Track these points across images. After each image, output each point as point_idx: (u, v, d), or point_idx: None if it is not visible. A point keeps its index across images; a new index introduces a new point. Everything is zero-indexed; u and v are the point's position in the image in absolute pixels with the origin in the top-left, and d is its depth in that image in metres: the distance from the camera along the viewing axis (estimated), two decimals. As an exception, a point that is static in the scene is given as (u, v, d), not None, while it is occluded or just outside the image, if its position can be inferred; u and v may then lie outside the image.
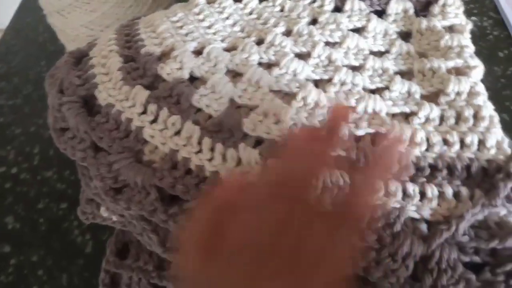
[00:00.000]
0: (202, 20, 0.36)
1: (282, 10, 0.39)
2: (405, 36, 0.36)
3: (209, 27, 0.36)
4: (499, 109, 0.32)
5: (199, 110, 0.32)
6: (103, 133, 0.31)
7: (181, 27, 0.36)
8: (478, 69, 0.33)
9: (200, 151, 0.30)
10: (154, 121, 0.30)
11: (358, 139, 0.31)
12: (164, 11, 0.38)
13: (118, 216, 0.32)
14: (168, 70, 0.32)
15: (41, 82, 0.56)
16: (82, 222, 0.38)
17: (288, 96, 0.32)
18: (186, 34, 0.35)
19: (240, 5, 0.38)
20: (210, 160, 0.29)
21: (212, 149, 0.30)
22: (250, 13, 0.38)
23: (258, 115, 0.31)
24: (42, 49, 0.62)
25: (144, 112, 0.31)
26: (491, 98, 0.32)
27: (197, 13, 0.37)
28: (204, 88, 0.32)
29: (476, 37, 0.35)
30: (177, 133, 0.30)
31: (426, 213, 0.28)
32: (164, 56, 0.34)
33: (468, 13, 0.38)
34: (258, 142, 0.31)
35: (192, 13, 0.37)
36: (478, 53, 0.35)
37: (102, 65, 0.34)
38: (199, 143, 0.30)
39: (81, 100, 0.32)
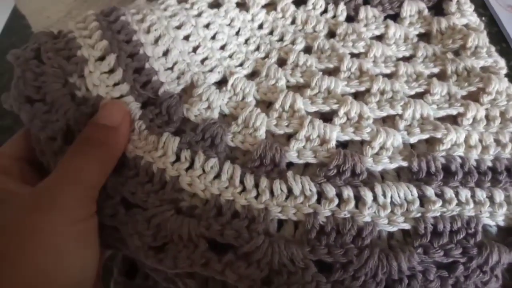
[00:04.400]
0: (214, 38, 0.33)
1: (293, 22, 0.36)
2: (424, 37, 0.35)
3: (223, 47, 0.33)
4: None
5: (234, 147, 0.29)
6: (135, 188, 0.27)
7: (194, 51, 0.32)
8: (504, 69, 0.32)
9: (244, 190, 0.27)
10: (189, 167, 0.27)
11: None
12: (164, 14, 0.31)
13: None
14: (195, 112, 0.29)
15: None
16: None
17: (327, 115, 0.30)
18: (203, 61, 0.32)
19: (248, 16, 0.34)
20: (256, 197, 0.26)
21: (256, 186, 0.27)
22: (261, 27, 0.35)
23: (300, 141, 0.28)
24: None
25: (177, 160, 0.27)
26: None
27: (206, 26, 0.33)
28: (236, 124, 0.29)
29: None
30: (217, 176, 0.27)
31: (500, 219, 0.26)
32: (185, 93, 0.30)
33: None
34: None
35: (202, 27, 0.32)
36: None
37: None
38: (241, 182, 0.27)
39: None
